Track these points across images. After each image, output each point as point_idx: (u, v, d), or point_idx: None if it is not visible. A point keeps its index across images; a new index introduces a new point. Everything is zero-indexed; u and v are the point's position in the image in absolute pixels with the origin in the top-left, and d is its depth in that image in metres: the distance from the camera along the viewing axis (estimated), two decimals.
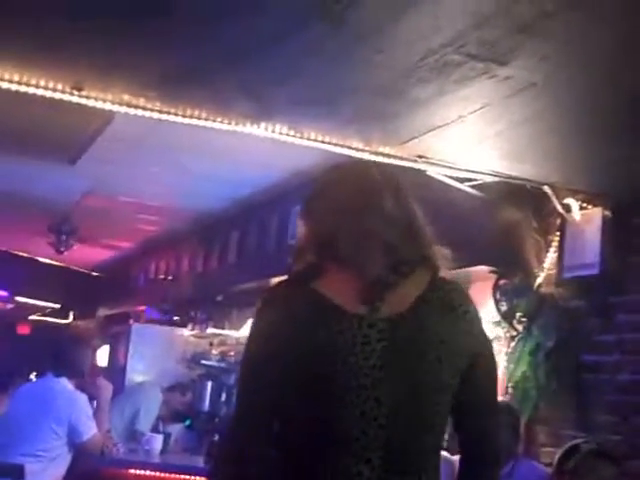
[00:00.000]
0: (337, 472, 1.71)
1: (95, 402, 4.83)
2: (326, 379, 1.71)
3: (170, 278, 8.43)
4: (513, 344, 4.40)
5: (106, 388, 4.91)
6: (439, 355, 1.75)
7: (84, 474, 4.66)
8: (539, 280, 4.35)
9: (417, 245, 1.83)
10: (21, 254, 10.59)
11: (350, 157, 3.92)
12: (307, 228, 1.89)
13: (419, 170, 4.04)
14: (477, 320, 1.87)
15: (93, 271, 11.29)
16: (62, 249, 8.52)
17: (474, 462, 1.86)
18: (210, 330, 7.85)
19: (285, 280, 1.85)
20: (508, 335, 4.45)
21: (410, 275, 1.80)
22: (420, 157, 3.94)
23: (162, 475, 5.11)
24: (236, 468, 1.74)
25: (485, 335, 1.90)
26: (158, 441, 5.94)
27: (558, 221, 4.31)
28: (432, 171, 4.10)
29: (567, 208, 4.20)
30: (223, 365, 7.63)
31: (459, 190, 4.22)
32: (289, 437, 1.76)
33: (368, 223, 1.81)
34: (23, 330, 13.66)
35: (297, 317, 1.75)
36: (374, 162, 2.40)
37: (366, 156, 3.96)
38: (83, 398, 4.61)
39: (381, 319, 1.74)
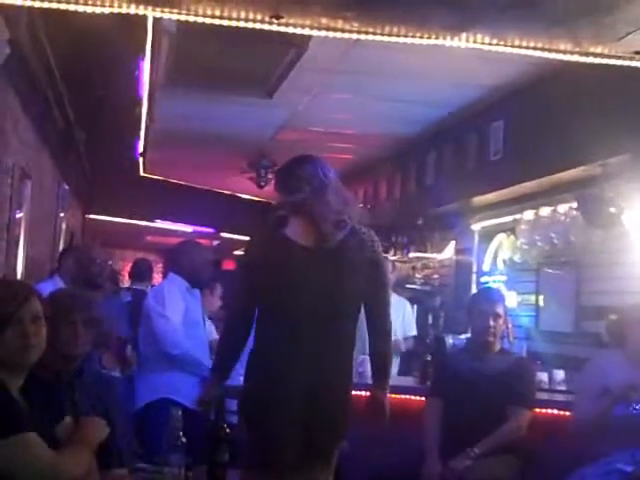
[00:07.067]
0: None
1: None
2: (285, 282, 3.03)
3: (368, 206, 8.44)
4: None
5: None
6: (349, 271, 3.03)
7: None
8: None
9: (348, 209, 3.09)
10: (224, 192, 10.94)
11: (558, 61, 3.71)
12: (280, 195, 3.13)
13: (636, 68, 3.77)
14: (377, 250, 3.12)
15: None
16: (262, 184, 8.74)
17: None
18: (412, 254, 7.82)
19: (264, 225, 3.11)
20: None
21: (341, 227, 3.04)
22: (637, 53, 3.67)
23: None
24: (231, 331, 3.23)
25: (379, 257, 3.15)
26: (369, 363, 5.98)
27: None
28: None
29: None
30: (427, 288, 7.59)
31: None
32: (262, 316, 3.09)
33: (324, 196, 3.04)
34: (228, 265, 14.21)
35: (271, 248, 3.04)
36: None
37: (575, 58, 3.74)
38: None
39: (320, 250, 3.02)
